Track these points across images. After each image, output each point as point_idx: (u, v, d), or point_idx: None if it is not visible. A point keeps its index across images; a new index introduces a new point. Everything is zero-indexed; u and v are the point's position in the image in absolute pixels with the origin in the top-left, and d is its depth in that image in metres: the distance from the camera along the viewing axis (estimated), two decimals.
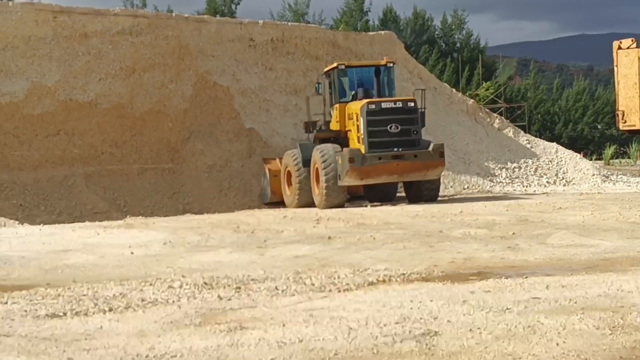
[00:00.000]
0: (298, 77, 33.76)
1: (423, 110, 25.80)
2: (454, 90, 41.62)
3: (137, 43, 30.06)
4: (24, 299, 10.33)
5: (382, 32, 42.24)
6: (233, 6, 67.92)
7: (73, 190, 27.19)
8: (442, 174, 27.36)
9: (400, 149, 24.68)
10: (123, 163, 29.05)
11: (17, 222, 23.04)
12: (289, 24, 39.11)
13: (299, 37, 35.39)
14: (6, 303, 10.04)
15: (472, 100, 41.37)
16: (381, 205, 25.13)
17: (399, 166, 24.64)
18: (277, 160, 28.57)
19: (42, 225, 22.35)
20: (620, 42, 29.94)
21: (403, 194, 27.18)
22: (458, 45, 79.90)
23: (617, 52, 29.75)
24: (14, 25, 27.81)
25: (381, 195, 27.25)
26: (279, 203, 27.57)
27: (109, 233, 17.98)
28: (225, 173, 30.38)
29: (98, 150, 28.70)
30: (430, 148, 24.96)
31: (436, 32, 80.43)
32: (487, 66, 72.87)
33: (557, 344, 7.12)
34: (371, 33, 41.26)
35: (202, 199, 28.91)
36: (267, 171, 28.72)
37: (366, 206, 24.74)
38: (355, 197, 27.24)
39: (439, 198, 26.39)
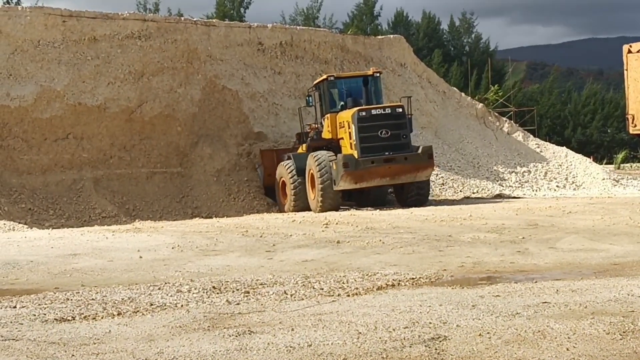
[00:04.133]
0: (307, 81, 33.76)
1: (410, 116, 26.50)
2: (463, 94, 41.59)
3: (146, 47, 30.07)
4: (32, 303, 10.33)
5: (392, 36, 42.24)
6: (242, 10, 67.97)
7: (82, 194, 27.21)
8: (448, 176, 27.49)
9: (391, 153, 25.62)
10: (132, 167, 29.07)
11: (26, 226, 23.09)
12: (298, 27, 39.12)
13: (308, 41, 35.41)
14: (15, 307, 10.04)
15: (481, 104, 41.31)
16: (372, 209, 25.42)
17: (390, 169, 25.59)
18: (274, 153, 29.79)
19: (50, 229, 22.42)
20: (630, 46, 29.88)
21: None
22: (467, 49, 79.89)
23: (627, 56, 29.70)
24: (23, 29, 27.84)
25: (372, 200, 27.82)
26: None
27: (117, 237, 17.99)
28: (234, 177, 30.38)
29: (107, 154, 28.72)
30: (420, 150, 25.86)
31: (444, 36, 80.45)
32: (496, 70, 72.80)
33: (567, 349, 7.09)
34: (380, 37, 41.22)
35: (211, 203, 28.92)
36: (262, 165, 29.92)
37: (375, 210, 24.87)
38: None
39: (442, 201, 26.54)
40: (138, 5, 66.39)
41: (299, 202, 26.81)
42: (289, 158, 27.73)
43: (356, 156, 25.34)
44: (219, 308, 9.62)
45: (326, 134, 27.19)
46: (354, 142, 25.58)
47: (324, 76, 27.98)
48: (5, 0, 51.65)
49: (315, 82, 28.82)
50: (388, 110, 25.97)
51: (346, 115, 26.22)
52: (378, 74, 27.76)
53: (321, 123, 27.72)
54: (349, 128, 25.86)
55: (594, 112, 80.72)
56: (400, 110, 26.04)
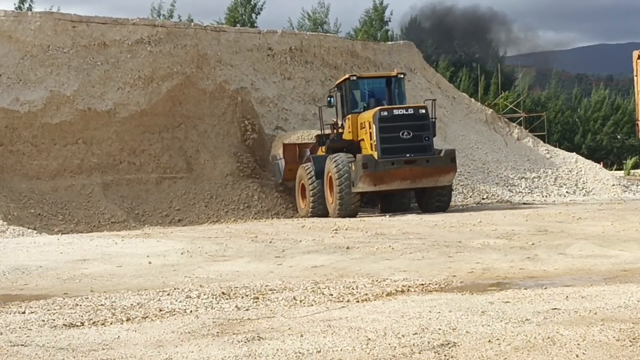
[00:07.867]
0: (316, 86, 33.79)
1: (434, 119, 25.96)
2: (472, 99, 41.55)
3: (156, 52, 30.13)
4: (41, 308, 10.32)
5: (401, 41, 42.28)
6: (254, 15, 67.91)
7: (91, 199, 27.25)
8: (457, 182, 27.36)
9: (412, 155, 24.96)
10: (141, 172, 29.11)
11: (35, 231, 23.12)
12: (308, 33, 39.19)
13: (318, 46, 35.44)
14: (24, 313, 10.03)
15: (490, 109, 41.25)
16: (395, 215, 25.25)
17: (411, 171, 24.91)
18: (297, 147, 28.92)
19: (60, 234, 22.46)
20: None
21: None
22: (477, 55, 79.78)
23: (637, 62, 29.55)
24: (33, 34, 27.93)
25: (394, 206, 27.46)
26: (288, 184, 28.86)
27: (126, 242, 18.00)
28: (243, 182, 30.37)
29: (116, 159, 28.77)
30: (442, 153, 25.25)
31: (455, 41, 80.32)
32: (506, 75, 72.63)
33: (577, 356, 7.05)
34: (390, 43, 41.25)
35: (220, 208, 28.90)
36: (283, 159, 29.03)
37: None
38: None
39: (451, 207, 26.46)
40: (152, 10, 66.22)
41: (317, 206, 26.30)
42: (308, 160, 27.30)
43: (376, 157, 24.78)
44: (228, 314, 9.60)
45: (347, 135, 26.64)
46: (374, 143, 25.01)
47: (346, 76, 27.40)
48: (17, 6, 51.69)
49: (337, 82, 28.30)
50: (411, 111, 25.37)
51: (367, 116, 25.69)
52: (402, 75, 27.19)
53: (342, 124, 27.26)
54: (370, 128, 25.31)
55: (604, 118, 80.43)
56: (424, 111, 25.46)
